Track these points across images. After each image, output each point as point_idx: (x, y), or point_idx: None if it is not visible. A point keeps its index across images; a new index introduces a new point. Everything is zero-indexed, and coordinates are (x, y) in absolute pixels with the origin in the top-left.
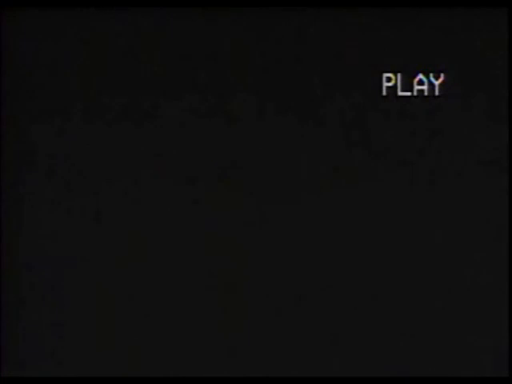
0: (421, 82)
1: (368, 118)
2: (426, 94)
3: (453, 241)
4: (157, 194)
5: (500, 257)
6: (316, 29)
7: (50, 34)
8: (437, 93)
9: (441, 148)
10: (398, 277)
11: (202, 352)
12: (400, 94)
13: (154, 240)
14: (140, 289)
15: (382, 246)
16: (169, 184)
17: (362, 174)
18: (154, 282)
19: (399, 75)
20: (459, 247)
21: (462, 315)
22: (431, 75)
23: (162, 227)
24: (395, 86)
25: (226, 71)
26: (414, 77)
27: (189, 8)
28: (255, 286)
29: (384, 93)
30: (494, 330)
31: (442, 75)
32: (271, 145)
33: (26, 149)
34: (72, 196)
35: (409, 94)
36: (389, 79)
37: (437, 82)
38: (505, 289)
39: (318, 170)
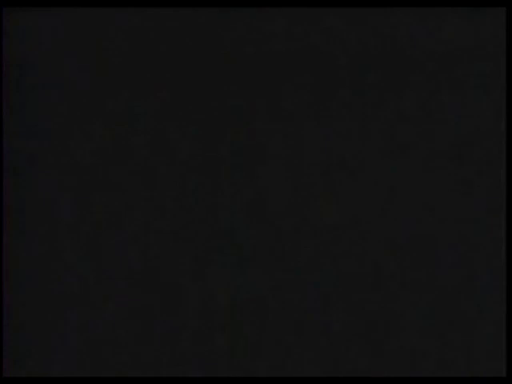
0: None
1: (367, 117)
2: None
3: (450, 241)
4: (158, 194)
5: (497, 257)
6: (315, 28)
7: (50, 33)
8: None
9: (440, 147)
10: (396, 277)
11: (201, 352)
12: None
13: (156, 240)
14: (140, 289)
15: (380, 245)
16: (169, 184)
17: (360, 170)
18: (154, 283)
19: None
20: (457, 246)
21: (460, 315)
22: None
23: (163, 228)
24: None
25: (226, 72)
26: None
27: (189, 8)
28: (255, 285)
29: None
30: (492, 330)
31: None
32: (272, 144)
33: (27, 148)
34: (72, 197)
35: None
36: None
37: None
38: (502, 289)
39: (320, 169)
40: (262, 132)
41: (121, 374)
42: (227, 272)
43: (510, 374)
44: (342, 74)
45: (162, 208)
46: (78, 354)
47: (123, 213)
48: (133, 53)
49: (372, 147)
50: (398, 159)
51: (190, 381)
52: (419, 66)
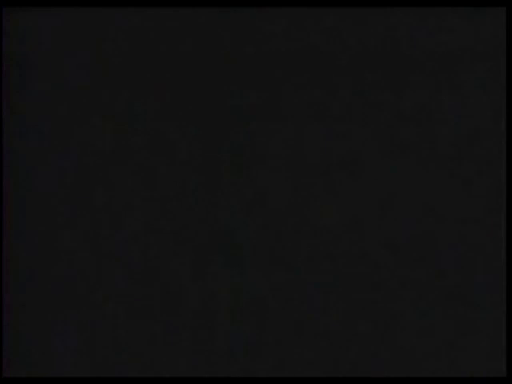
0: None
1: (367, 118)
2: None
3: (450, 241)
4: (158, 194)
5: (497, 257)
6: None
7: (50, 33)
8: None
9: (440, 147)
10: (396, 277)
11: (201, 352)
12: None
13: (156, 240)
14: (140, 289)
15: (380, 245)
16: (169, 184)
17: (360, 170)
18: (154, 283)
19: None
20: (457, 246)
21: (460, 315)
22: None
23: (163, 228)
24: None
25: (226, 72)
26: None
27: (189, 8)
28: (255, 285)
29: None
30: (492, 330)
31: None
32: (272, 144)
33: (26, 148)
34: (72, 197)
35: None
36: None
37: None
38: (502, 289)
39: (320, 169)
40: (262, 132)
41: (121, 374)
42: (227, 272)
43: (510, 374)
44: (342, 73)
45: (162, 208)
46: (77, 354)
47: (123, 213)
48: (133, 53)
49: (372, 147)
50: (398, 159)
51: (190, 381)
52: (419, 66)
